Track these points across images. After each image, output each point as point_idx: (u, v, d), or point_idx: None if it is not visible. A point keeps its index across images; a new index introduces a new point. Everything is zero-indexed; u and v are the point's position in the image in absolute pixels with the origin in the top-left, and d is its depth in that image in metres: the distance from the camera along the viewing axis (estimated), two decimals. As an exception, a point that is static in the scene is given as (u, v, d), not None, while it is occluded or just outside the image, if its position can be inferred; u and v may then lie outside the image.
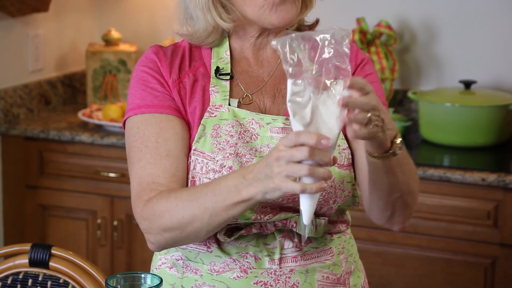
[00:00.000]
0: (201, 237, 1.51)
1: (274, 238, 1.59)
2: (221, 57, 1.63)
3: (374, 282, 2.71)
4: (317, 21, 1.70)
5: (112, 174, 2.99)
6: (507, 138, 2.88)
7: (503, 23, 2.99)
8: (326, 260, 1.62)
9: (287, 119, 1.59)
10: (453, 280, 2.63)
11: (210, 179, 1.54)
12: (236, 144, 1.56)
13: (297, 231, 1.59)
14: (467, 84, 2.92)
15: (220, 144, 1.56)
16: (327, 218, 1.62)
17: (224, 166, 1.55)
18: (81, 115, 3.11)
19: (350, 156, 1.61)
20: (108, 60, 3.29)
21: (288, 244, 1.59)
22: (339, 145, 1.60)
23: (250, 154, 1.56)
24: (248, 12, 1.58)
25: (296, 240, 1.59)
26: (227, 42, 1.64)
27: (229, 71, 1.62)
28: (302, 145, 1.30)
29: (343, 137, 1.61)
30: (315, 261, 1.61)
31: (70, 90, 3.43)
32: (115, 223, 3.01)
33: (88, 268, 1.74)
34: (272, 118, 1.59)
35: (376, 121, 1.35)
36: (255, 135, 1.58)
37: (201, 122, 1.58)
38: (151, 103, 1.60)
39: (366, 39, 3.08)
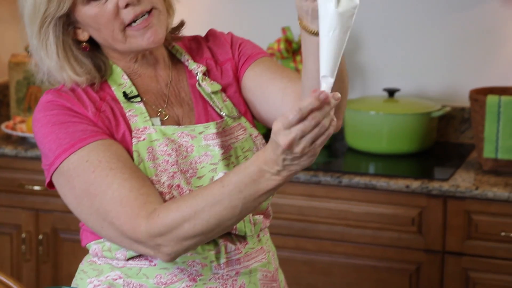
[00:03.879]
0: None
1: (216, 243, 1.59)
2: (120, 83, 1.61)
3: (302, 290, 2.73)
4: (182, 24, 1.70)
5: (36, 187, 2.94)
6: (430, 145, 2.93)
7: (425, 33, 3.05)
8: (262, 259, 1.65)
9: (218, 123, 1.61)
10: (380, 287, 2.66)
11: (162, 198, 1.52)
12: (177, 161, 1.56)
13: (237, 233, 1.60)
14: (391, 92, 2.97)
15: (160, 165, 1.55)
16: (262, 215, 1.65)
17: (172, 186, 1.54)
18: (4, 127, 3.06)
19: (264, 141, 1.64)
20: (31, 71, 3.24)
21: (230, 248, 1.60)
22: (251, 134, 1.64)
23: (192, 168, 1.57)
24: (119, 47, 1.58)
25: (237, 242, 1.61)
26: (118, 68, 1.61)
27: (136, 93, 1.60)
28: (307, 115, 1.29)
29: (252, 126, 1.65)
30: (255, 261, 1.63)
31: (-8, 102, 3.37)
32: (40, 237, 2.96)
33: (11, 284, 1.72)
34: (204, 126, 1.60)
35: None
36: (190, 147, 1.58)
37: (133, 149, 1.55)
38: (85, 135, 1.52)
39: (292, 48, 3.10)
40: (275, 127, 1.31)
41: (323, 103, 1.29)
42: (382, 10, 3.08)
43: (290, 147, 1.31)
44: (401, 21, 3.07)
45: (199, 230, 1.45)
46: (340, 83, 1.48)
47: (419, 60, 3.08)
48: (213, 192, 1.43)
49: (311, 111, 1.29)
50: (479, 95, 2.76)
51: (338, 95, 1.30)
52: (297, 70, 3.09)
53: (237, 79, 1.68)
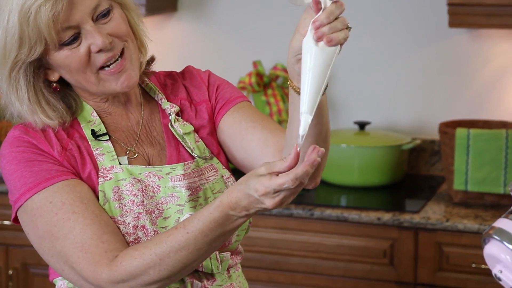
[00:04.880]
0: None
1: (183, 280, 1.58)
2: (89, 120, 1.59)
3: (275, 324, 2.72)
4: (152, 59, 1.68)
5: (6, 222, 2.92)
6: (401, 178, 2.95)
7: (395, 67, 3.09)
8: None
9: (185, 164, 1.60)
10: (352, 319, 2.67)
11: (125, 242, 1.51)
12: (143, 201, 1.54)
13: (203, 271, 1.59)
14: (362, 125, 2.99)
15: (126, 206, 1.53)
16: (229, 253, 1.63)
17: (137, 227, 1.53)
18: (-26, 161, 3.03)
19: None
20: (2, 105, 3.22)
21: (197, 285, 1.59)
22: (222, 176, 1.63)
23: (158, 209, 1.55)
24: (92, 90, 1.56)
25: (204, 280, 1.60)
26: (88, 105, 1.60)
27: (105, 131, 1.58)
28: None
29: (224, 167, 1.64)
30: None
31: (-38, 136, 3.34)
32: (10, 272, 2.93)
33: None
34: (171, 167, 1.59)
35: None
36: (156, 188, 1.57)
37: (99, 189, 1.53)
38: (50, 175, 1.51)
39: (263, 82, 3.12)
40: (264, 189, 1.32)
41: (315, 166, 1.30)
42: (352, 44, 3.11)
43: (276, 207, 1.34)
44: (371, 55, 3.10)
45: (164, 275, 1.45)
46: (324, 144, 1.50)
47: (389, 93, 3.11)
48: (177, 239, 1.43)
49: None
50: (449, 128, 2.79)
51: (322, 150, 1.31)
52: (268, 103, 3.11)
53: (213, 122, 1.66)
